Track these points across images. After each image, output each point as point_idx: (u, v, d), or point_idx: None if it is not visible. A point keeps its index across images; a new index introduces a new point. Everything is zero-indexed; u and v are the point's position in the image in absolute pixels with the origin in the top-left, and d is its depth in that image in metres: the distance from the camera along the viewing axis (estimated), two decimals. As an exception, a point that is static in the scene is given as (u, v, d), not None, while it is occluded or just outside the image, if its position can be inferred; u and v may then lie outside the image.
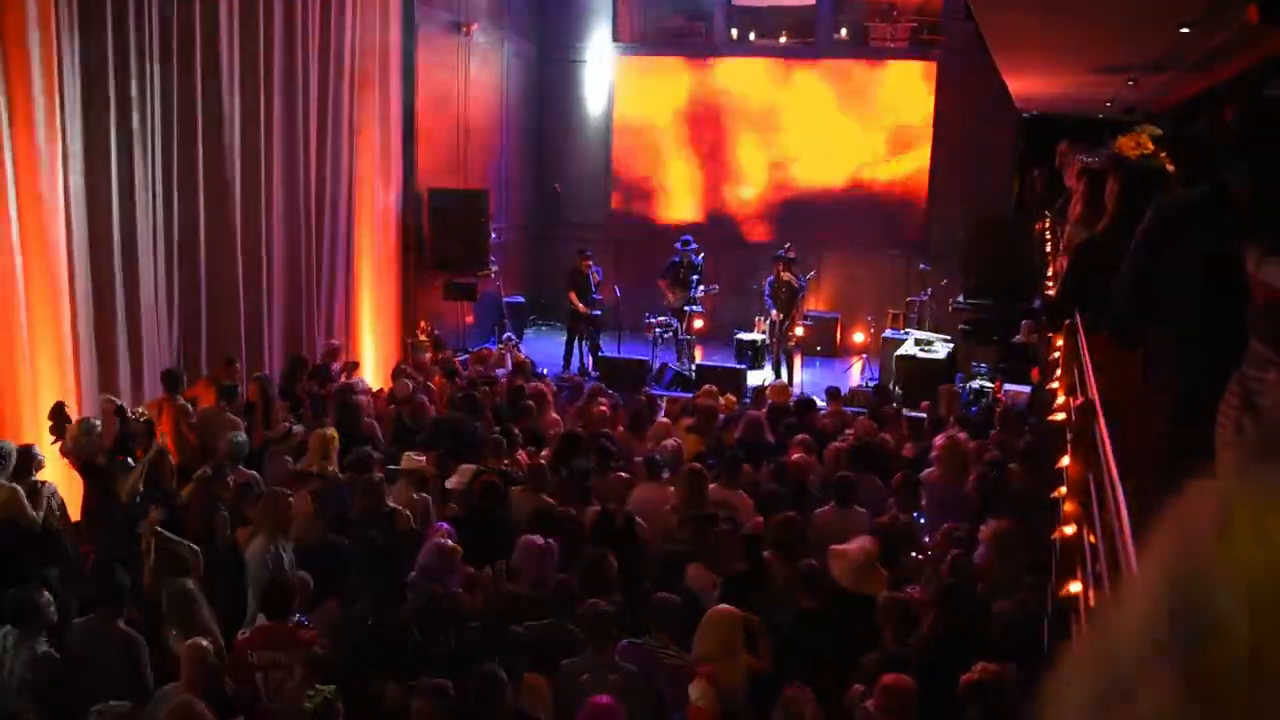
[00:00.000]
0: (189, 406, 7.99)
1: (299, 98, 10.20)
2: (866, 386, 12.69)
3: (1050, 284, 8.45)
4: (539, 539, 5.68)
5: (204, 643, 4.48)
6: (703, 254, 13.90)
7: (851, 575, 5.34)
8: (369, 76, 11.52)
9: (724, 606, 4.88)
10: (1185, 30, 6.75)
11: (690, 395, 10.42)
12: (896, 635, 4.89)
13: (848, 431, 8.84)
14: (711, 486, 6.93)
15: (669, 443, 7.85)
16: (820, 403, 9.96)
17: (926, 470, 7.43)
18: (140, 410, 7.40)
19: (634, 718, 4.37)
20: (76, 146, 7.59)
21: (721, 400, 9.81)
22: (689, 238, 13.75)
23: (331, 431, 7.30)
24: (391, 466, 7.04)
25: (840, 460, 7.67)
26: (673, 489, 6.91)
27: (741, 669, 4.75)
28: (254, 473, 6.92)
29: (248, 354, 9.51)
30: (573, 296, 13.47)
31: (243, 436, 7.13)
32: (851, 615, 5.23)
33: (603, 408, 8.96)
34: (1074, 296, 4.30)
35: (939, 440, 7.65)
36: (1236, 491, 0.55)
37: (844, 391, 11.26)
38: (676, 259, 13.58)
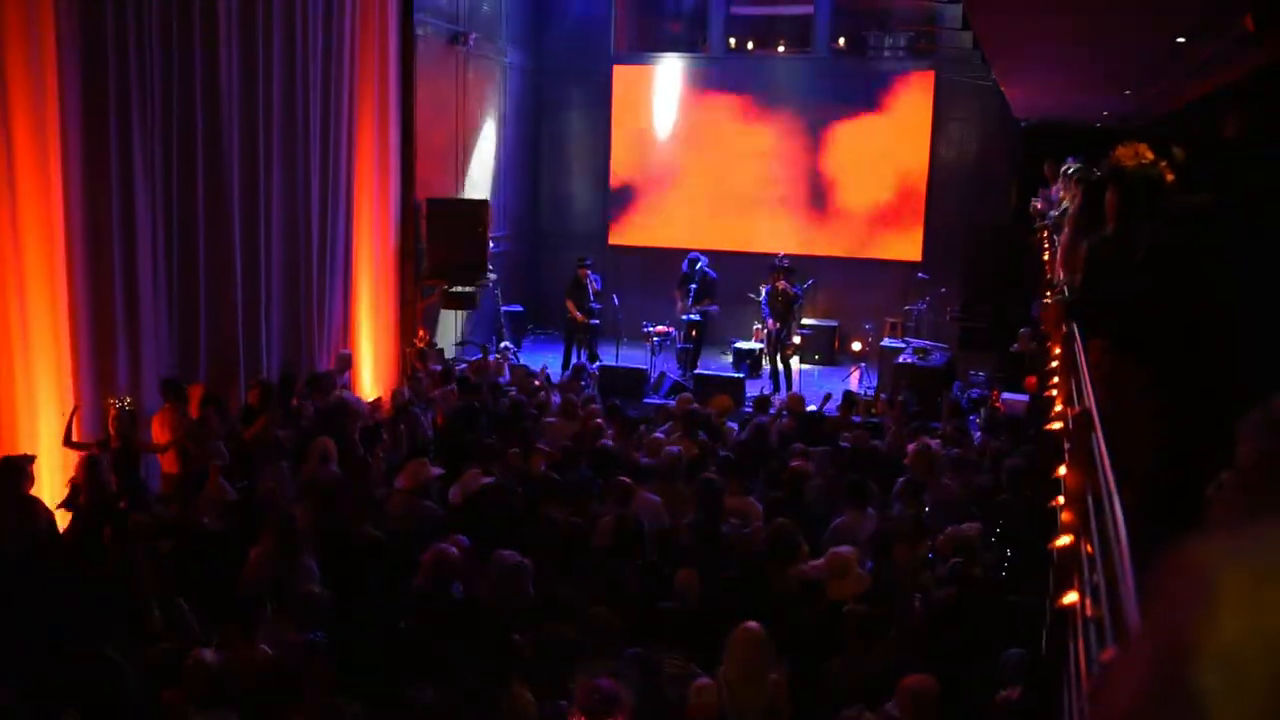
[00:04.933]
0: (188, 415, 8.00)
1: (298, 108, 10.21)
2: (866, 395, 12.72)
3: (1049, 294, 8.45)
4: (515, 555, 5.63)
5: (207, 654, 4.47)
6: (702, 269, 13.96)
7: (829, 579, 5.35)
8: (368, 87, 11.53)
9: (751, 624, 4.82)
10: (1182, 40, 6.77)
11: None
12: (861, 645, 4.89)
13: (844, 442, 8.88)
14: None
15: (670, 449, 7.82)
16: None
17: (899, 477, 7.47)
18: (127, 400, 7.43)
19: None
20: (76, 153, 7.59)
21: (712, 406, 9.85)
22: (698, 255, 13.80)
23: (329, 440, 7.32)
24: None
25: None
26: (661, 498, 6.92)
27: (772, 686, 4.70)
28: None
29: (246, 362, 9.52)
30: (570, 305, 13.56)
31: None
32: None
33: (597, 419, 8.96)
34: (1091, 298, 4.27)
35: (910, 447, 7.71)
36: (1224, 563, 0.54)
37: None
38: (686, 269, 13.69)
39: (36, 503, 6.31)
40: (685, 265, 13.76)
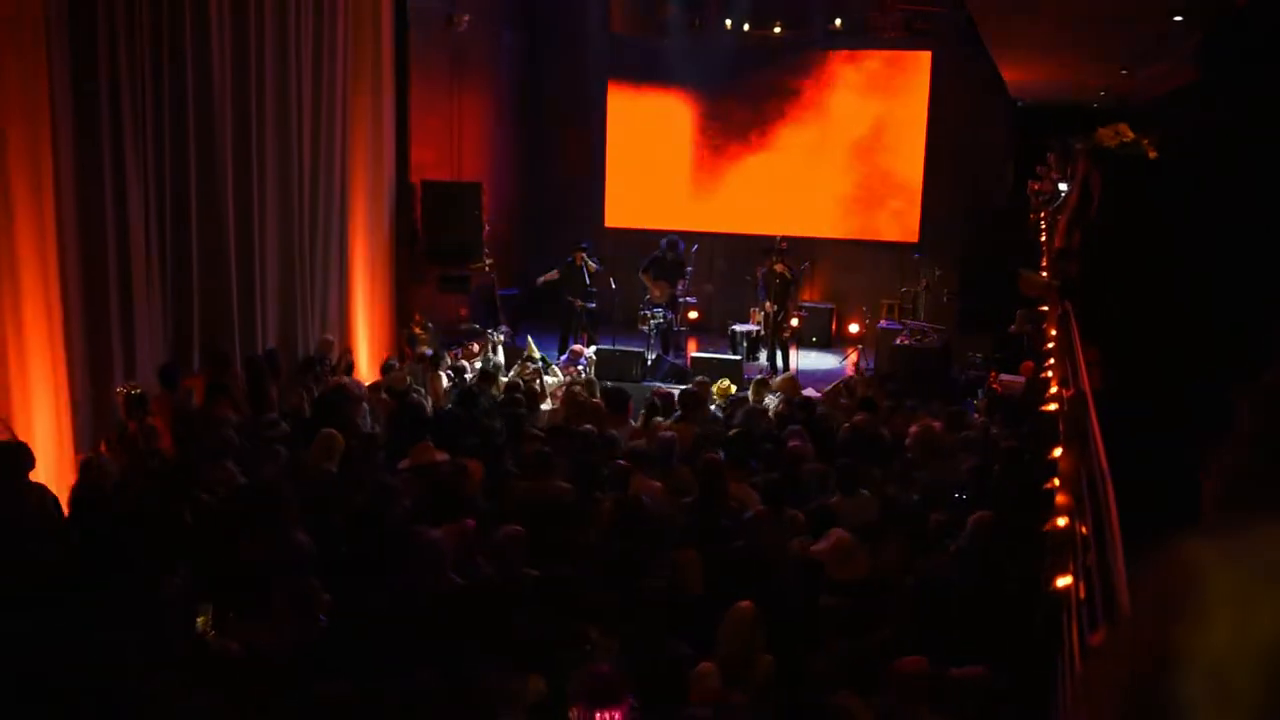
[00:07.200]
0: (184, 404, 7.98)
1: (292, 91, 10.16)
2: (863, 376, 12.71)
3: (1045, 271, 8.45)
4: (519, 528, 5.65)
5: None
6: (695, 247, 13.94)
7: (832, 564, 5.34)
8: (362, 70, 11.46)
9: (744, 604, 4.81)
10: (1178, 19, 6.74)
11: (685, 386, 10.38)
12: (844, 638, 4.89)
13: (845, 425, 8.88)
14: None
15: (665, 434, 7.81)
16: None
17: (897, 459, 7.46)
18: (134, 386, 7.41)
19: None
20: (67, 140, 7.54)
21: (715, 388, 9.83)
22: (674, 237, 13.74)
23: (335, 432, 7.26)
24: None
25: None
26: (659, 483, 6.89)
27: (761, 668, 4.70)
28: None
29: (241, 347, 9.49)
30: (550, 277, 13.47)
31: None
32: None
33: (595, 400, 8.96)
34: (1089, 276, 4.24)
35: (913, 429, 7.68)
36: (1217, 565, 0.51)
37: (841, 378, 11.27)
38: (658, 254, 13.59)
39: (41, 488, 6.28)
40: (664, 246, 13.63)
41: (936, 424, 7.96)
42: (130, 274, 8.18)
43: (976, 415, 9.67)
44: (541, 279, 13.66)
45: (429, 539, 5.38)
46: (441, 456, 7.12)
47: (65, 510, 6.16)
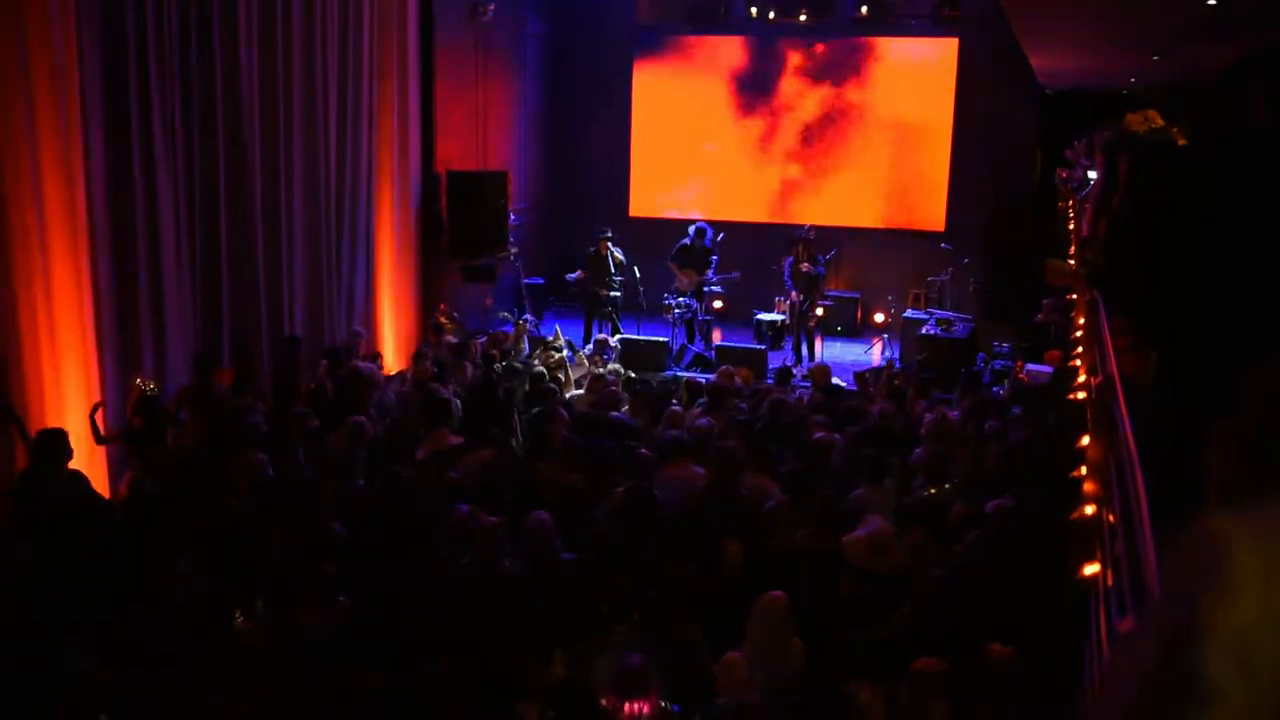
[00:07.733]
0: (214, 394, 8.04)
1: (318, 83, 10.19)
2: (891, 365, 12.66)
3: (1073, 261, 8.38)
4: (546, 515, 5.64)
5: None
6: (721, 236, 13.91)
7: (868, 555, 5.31)
8: (387, 60, 11.49)
9: (775, 593, 4.80)
10: (1212, 2, 6.64)
11: (708, 377, 10.36)
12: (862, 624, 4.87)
13: (872, 415, 8.83)
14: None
15: (700, 422, 7.78)
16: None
17: (916, 450, 7.39)
18: (150, 384, 7.47)
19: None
20: (98, 134, 7.60)
21: (737, 377, 9.79)
22: (703, 225, 13.71)
23: (364, 420, 7.30)
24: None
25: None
26: (699, 470, 6.87)
27: (793, 655, 4.70)
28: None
29: (269, 339, 9.55)
30: (581, 273, 13.50)
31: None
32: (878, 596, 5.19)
33: (613, 387, 8.95)
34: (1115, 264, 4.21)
35: (928, 418, 7.62)
36: (1242, 542, 0.51)
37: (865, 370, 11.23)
38: (686, 241, 13.55)
39: (79, 475, 6.36)
40: (692, 234, 13.59)
41: (952, 413, 7.91)
42: (160, 268, 8.24)
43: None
44: (572, 277, 13.67)
45: (488, 524, 5.39)
46: (456, 441, 7.15)
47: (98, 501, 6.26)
